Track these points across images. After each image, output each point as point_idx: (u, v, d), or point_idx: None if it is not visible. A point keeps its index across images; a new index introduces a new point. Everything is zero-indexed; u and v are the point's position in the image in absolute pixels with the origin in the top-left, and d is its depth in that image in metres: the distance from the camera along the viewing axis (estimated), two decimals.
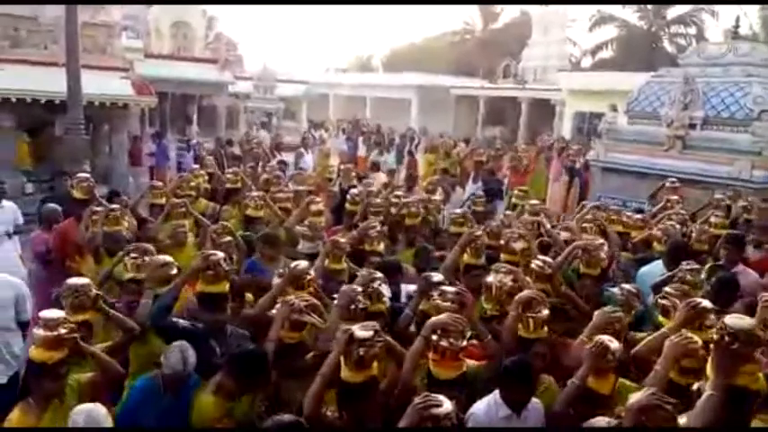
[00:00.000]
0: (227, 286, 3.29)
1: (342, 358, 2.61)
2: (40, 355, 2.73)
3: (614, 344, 2.75)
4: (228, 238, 4.62)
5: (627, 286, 3.78)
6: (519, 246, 4.34)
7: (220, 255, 3.35)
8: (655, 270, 4.77)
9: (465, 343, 2.71)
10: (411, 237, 5.48)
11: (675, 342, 2.57)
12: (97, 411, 2.52)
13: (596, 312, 3.10)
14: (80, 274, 5.03)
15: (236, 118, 21.39)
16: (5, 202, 6.24)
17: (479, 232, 4.40)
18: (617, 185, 10.23)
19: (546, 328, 3.14)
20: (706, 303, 2.94)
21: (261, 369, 2.82)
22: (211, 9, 21.14)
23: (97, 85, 10.39)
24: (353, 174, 7.93)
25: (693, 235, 5.50)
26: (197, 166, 8.21)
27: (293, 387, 2.93)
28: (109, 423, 2.56)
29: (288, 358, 2.97)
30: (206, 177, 7.19)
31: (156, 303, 3.32)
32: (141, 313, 3.38)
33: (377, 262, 4.33)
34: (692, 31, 32.47)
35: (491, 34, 39.94)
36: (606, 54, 34.75)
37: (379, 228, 4.79)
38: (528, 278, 3.75)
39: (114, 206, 5.03)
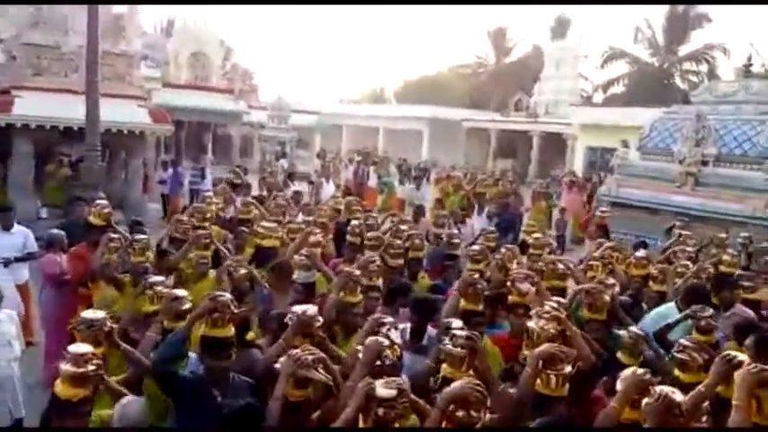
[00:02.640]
0: (232, 330, 3.09)
1: (360, 415, 2.36)
2: (66, 391, 2.63)
3: (678, 395, 2.49)
4: (244, 271, 4.53)
5: (634, 329, 3.64)
6: (525, 287, 4.16)
7: (228, 297, 3.16)
8: (667, 312, 4.62)
9: (486, 415, 2.42)
10: (414, 271, 5.46)
11: (750, 372, 2.40)
12: None
13: (625, 375, 2.75)
14: (90, 300, 5.10)
15: (250, 147, 21.67)
16: (17, 227, 6.25)
17: (477, 276, 4.20)
18: (627, 221, 10.19)
19: (567, 387, 2.88)
20: (741, 357, 2.74)
21: (254, 429, 2.61)
22: (229, 40, 21.61)
23: (115, 112, 10.58)
24: (357, 205, 7.87)
25: (688, 272, 5.39)
26: (211, 193, 8.25)
27: None
28: None
29: (293, 417, 2.73)
30: (220, 205, 7.21)
31: (160, 349, 3.17)
32: (144, 348, 3.28)
33: (413, 298, 4.20)
34: (704, 68, 32.69)
35: (503, 68, 40.44)
36: (618, 89, 35.03)
37: (378, 262, 4.65)
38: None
39: (140, 237, 4.96)
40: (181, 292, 3.57)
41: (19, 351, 4.02)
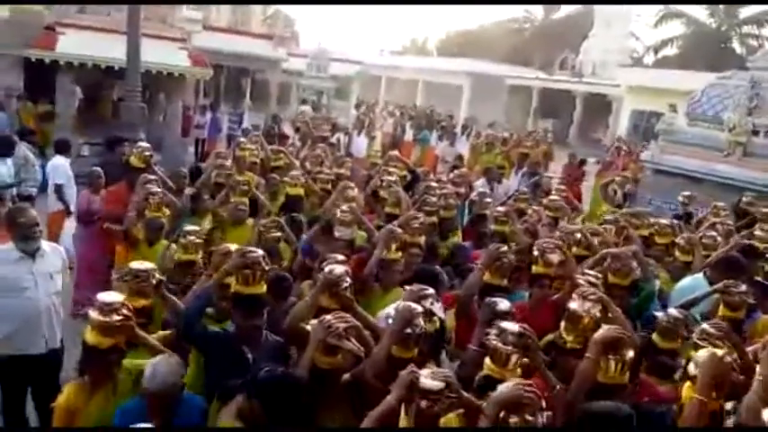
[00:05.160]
0: (264, 288, 3.01)
1: (402, 406, 2.18)
2: (93, 338, 2.69)
3: None
4: (278, 233, 4.43)
5: (674, 312, 3.40)
6: (555, 258, 3.88)
7: (259, 252, 3.04)
8: (695, 284, 4.38)
9: (542, 419, 2.17)
10: (446, 230, 5.38)
11: None
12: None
13: (702, 360, 2.43)
14: (108, 238, 5.20)
15: (287, 95, 21.57)
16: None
17: (504, 248, 3.90)
18: (669, 189, 9.86)
19: (628, 374, 2.65)
20: None
21: (291, 401, 2.46)
22: None
23: (155, 53, 10.62)
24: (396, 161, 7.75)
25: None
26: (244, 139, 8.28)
27: (326, 416, 2.65)
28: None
29: (321, 384, 2.62)
30: (254, 151, 7.23)
31: (190, 303, 3.11)
32: (188, 301, 3.21)
33: (415, 269, 4.07)
34: (766, 32, 30.89)
35: (550, 25, 38.96)
36: (670, 51, 33.45)
37: (422, 219, 4.55)
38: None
39: (155, 190, 4.91)
40: (233, 246, 3.47)
41: (60, 285, 4.13)
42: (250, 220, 5.21)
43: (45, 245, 3.95)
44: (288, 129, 13.20)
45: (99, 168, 6.23)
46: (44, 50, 10.35)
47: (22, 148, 7.28)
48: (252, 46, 17.31)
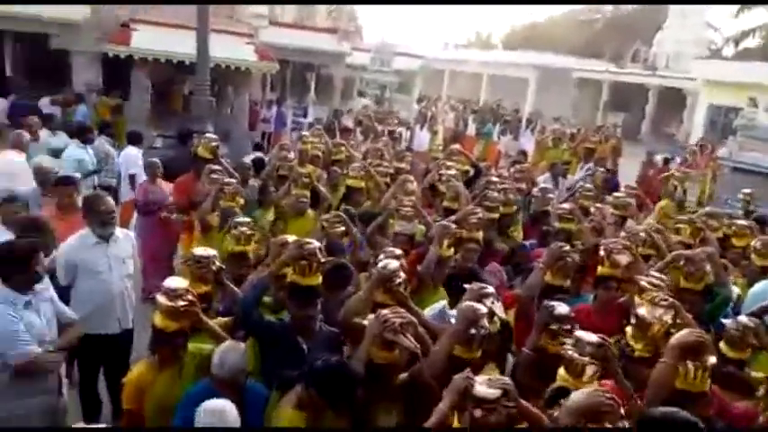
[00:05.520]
0: (319, 279, 3.01)
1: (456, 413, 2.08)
2: (160, 322, 2.82)
3: None
4: (341, 227, 4.39)
5: (744, 320, 3.24)
6: (624, 259, 3.69)
7: (316, 244, 3.06)
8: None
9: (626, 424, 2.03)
10: (505, 227, 5.24)
11: None
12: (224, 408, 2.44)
13: None
14: (192, 227, 5.40)
15: (351, 89, 21.74)
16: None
17: (567, 247, 3.72)
18: (747, 187, 9.32)
19: (709, 381, 2.49)
20: None
21: (348, 391, 2.47)
22: None
23: (224, 48, 10.93)
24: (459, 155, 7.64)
25: None
26: (307, 132, 8.41)
27: (380, 413, 2.61)
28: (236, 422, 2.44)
29: (377, 379, 2.59)
30: (317, 144, 7.32)
31: (247, 293, 3.18)
32: (246, 289, 3.29)
33: (451, 267, 3.99)
34: None
35: (621, 16, 37.54)
36: (752, 42, 31.50)
37: (480, 215, 4.39)
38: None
39: (230, 180, 5.04)
40: (290, 237, 3.51)
41: (132, 269, 4.33)
42: (311, 212, 5.29)
43: (118, 231, 4.15)
44: (350, 122, 13.31)
45: (156, 159, 6.47)
46: (119, 46, 10.84)
47: (102, 141, 7.65)
48: (316, 41, 17.51)
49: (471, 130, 15.54)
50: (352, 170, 5.73)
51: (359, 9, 35.91)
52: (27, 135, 6.81)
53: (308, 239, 3.14)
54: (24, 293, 3.12)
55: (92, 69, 13.14)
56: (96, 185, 7.04)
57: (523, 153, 10.99)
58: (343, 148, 7.06)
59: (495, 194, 5.24)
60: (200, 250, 3.34)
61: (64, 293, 3.77)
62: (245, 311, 3.05)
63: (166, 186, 6.24)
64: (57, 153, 6.98)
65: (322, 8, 20.01)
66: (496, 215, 5.03)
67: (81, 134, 7.29)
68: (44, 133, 7.81)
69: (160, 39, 11.00)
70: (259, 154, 7.82)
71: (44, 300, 3.29)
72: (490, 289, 2.94)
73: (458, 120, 17.08)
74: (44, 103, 11.21)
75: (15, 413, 3.11)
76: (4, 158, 6.35)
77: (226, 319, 3.23)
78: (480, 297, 2.82)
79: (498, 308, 2.84)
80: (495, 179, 5.91)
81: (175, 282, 2.92)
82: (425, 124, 13.20)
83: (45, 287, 3.35)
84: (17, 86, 13.27)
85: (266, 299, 3.30)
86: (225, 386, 2.68)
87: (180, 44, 10.63)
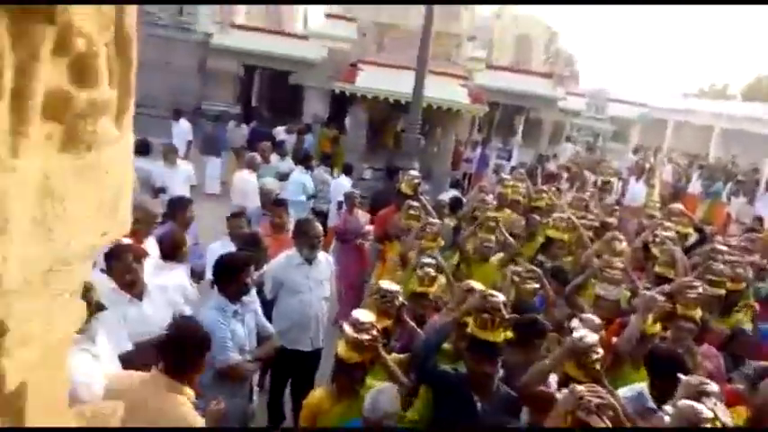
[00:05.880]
0: (501, 336, 2.83)
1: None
2: (343, 352, 2.86)
3: None
4: (535, 285, 4.15)
5: None
6: None
7: (501, 298, 2.92)
8: None
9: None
10: (730, 307, 4.50)
11: None
12: None
13: None
14: (385, 257, 5.57)
15: (560, 134, 21.10)
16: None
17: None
18: None
19: None
20: None
21: None
22: (555, 24, 21.18)
23: (437, 89, 11.30)
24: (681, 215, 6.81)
25: None
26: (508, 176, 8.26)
27: None
28: None
29: None
30: (517, 189, 7.15)
31: (426, 340, 3.10)
32: (428, 331, 3.23)
33: (657, 345, 3.47)
34: None
35: None
36: None
37: (701, 289, 3.82)
38: None
39: (435, 221, 5.08)
40: (476, 284, 3.45)
41: (329, 292, 4.58)
42: (495, 258, 5.12)
43: (320, 254, 4.44)
44: (554, 167, 12.84)
45: (354, 190, 6.94)
46: (346, 83, 11.80)
47: (321, 171, 8.44)
48: (531, 84, 17.35)
49: (695, 188, 14.01)
50: (555, 220, 5.45)
51: (577, 54, 34.91)
52: (259, 158, 7.78)
53: (492, 291, 3.01)
54: (234, 303, 3.44)
55: (321, 103, 14.67)
56: (311, 210, 7.72)
57: (759, 219, 9.56)
58: (545, 195, 6.79)
59: (722, 267, 4.55)
60: (385, 284, 3.39)
61: (265, 308, 4.10)
62: (424, 356, 2.99)
63: (363, 216, 6.60)
64: (283, 177, 7.86)
65: (539, 52, 19.84)
66: (722, 291, 4.35)
67: (305, 161, 8.13)
68: (274, 158, 8.88)
69: (382, 78, 11.73)
70: (456, 192, 7.90)
71: (249, 311, 3.60)
72: (713, 386, 2.50)
73: (676, 174, 15.54)
74: (279, 131, 12.67)
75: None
76: (240, 176, 7.35)
77: (402, 356, 3.22)
78: (700, 395, 2.43)
79: (722, 411, 2.40)
80: (722, 248, 5.13)
81: (363, 314, 2.97)
82: (642, 177, 12.20)
83: (252, 300, 3.68)
84: (259, 115, 15.30)
85: (446, 345, 3.22)
86: (374, 428, 2.67)
87: (399, 84, 11.23)
